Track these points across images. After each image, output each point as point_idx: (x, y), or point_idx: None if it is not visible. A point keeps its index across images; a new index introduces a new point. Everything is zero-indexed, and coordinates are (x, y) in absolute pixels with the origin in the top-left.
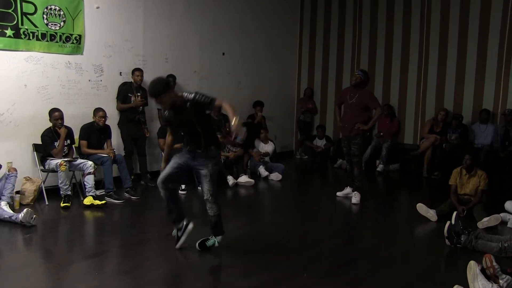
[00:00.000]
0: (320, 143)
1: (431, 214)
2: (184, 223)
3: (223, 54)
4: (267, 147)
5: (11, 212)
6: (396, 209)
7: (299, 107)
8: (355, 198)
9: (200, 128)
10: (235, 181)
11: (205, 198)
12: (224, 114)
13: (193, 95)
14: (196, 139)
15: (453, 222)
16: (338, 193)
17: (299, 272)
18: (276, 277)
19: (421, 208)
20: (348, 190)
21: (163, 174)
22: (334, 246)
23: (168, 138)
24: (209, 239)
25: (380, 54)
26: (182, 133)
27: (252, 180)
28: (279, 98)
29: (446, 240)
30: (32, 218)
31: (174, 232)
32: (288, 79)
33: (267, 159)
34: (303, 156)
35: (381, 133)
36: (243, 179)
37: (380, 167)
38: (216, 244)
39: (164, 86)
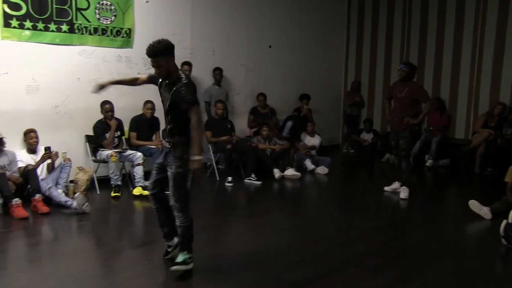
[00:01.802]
0: (367, 137)
1: (484, 211)
2: (176, 241)
3: (270, 46)
4: (313, 140)
5: (67, 197)
6: (446, 205)
7: (345, 100)
8: (404, 193)
9: (172, 118)
10: (281, 174)
11: (170, 203)
12: (272, 108)
13: (185, 81)
14: (169, 127)
15: (510, 221)
16: (386, 188)
17: (346, 266)
18: (323, 270)
19: (474, 205)
20: (396, 185)
21: (149, 181)
22: (382, 240)
23: (136, 81)
24: (178, 255)
25: (430, 45)
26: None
27: (299, 173)
28: (325, 91)
29: (503, 240)
30: (84, 205)
31: (165, 246)
32: (335, 71)
33: (313, 152)
34: (350, 150)
35: (431, 128)
36: (289, 172)
37: (429, 162)
38: (183, 262)
39: (165, 47)
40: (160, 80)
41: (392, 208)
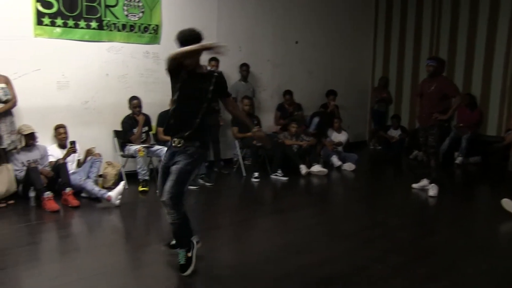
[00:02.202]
0: (394, 133)
1: None
2: (194, 241)
3: (296, 42)
4: (340, 137)
5: (100, 189)
6: (476, 203)
7: (373, 97)
8: (432, 190)
9: (203, 114)
10: (308, 171)
11: (162, 199)
12: (298, 103)
13: (219, 72)
14: (185, 123)
15: None
16: (414, 185)
17: (372, 263)
18: (349, 267)
19: (507, 203)
20: (424, 182)
21: (158, 188)
22: (409, 238)
23: None
24: (178, 253)
25: (461, 39)
26: (178, 111)
27: (325, 170)
28: (352, 87)
29: None
30: (118, 197)
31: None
32: (362, 67)
33: (340, 148)
34: (377, 146)
35: (461, 124)
36: (316, 168)
37: (459, 160)
38: (187, 262)
39: (200, 35)
40: (177, 73)
41: (420, 205)
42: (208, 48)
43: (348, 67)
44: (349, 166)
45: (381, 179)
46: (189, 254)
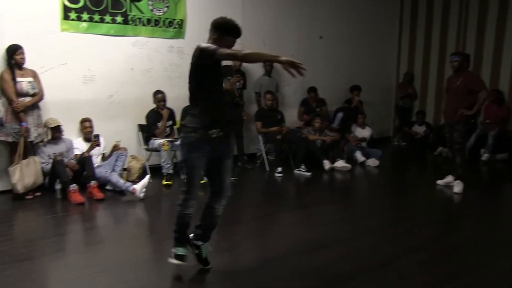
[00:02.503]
0: (419, 129)
1: None
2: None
3: (321, 37)
4: (364, 132)
5: (125, 181)
6: (503, 200)
7: (397, 92)
8: (458, 187)
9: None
10: (331, 166)
11: (227, 193)
12: (322, 98)
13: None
14: (222, 109)
15: None
16: (439, 182)
17: (396, 260)
18: (373, 263)
19: None
20: (449, 178)
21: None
22: (433, 235)
23: None
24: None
25: (489, 33)
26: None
27: (349, 165)
28: (376, 82)
29: None
30: (143, 190)
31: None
32: (387, 63)
33: (364, 144)
34: (401, 142)
35: (487, 121)
36: (340, 163)
37: (485, 156)
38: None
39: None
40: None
41: (445, 202)
42: (281, 62)
43: (373, 62)
44: (373, 162)
45: (405, 175)
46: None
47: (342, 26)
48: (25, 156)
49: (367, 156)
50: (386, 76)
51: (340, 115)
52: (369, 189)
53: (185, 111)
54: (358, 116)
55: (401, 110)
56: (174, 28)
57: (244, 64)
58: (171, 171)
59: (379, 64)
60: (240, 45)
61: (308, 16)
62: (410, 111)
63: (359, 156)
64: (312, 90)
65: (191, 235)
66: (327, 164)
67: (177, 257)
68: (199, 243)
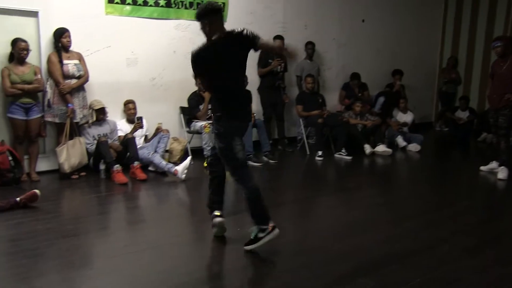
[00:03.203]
0: (463, 115)
1: None
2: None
3: (363, 21)
4: (405, 117)
5: (167, 163)
6: None
7: (440, 77)
8: (502, 173)
9: (243, 80)
10: (372, 150)
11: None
12: (363, 82)
13: (237, 29)
14: (242, 91)
15: None
16: (482, 168)
17: (438, 244)
18: (415, 247)
19: None
20: (493, 164)
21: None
22: (477, 220)
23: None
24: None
25: None
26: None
27: (390, 150)
28: (419, 66)
29: None
30: (184, 172)
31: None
32: (430, 47)
33: (405, 129)
34: (443, 128)
35: None
36: (380, 148)
37: None
38: (254, 234)
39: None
40: (209, 48)
41: (489, 188)
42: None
43: (416, 46)
44: (414, 147)
45: (448, 161)
46: (261, 235)
47: (385, 9)
48: (71, 137)
49: (409, 141)
50: (429, 61)
51: (381, 99)
52: (411, 174)
53: None
54: (399, 101)
55: (444, 95)
56: None
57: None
58: None
59: (422, 48)
60: (282, 28)
61: None
62: (454, 96)
63: (400, 141)
64: (356, 77)
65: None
66: (368, 148)
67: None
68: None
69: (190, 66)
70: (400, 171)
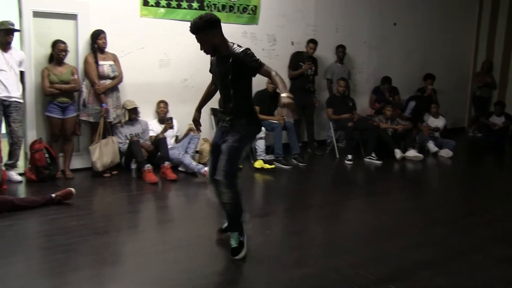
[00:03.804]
0: (497, 120)
1: None
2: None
3: (395, 24)
4: (437, 122)
5: (197, 163)
6: None
7: (474, 81)
8: None
9: (234, 94)
10: (403, 155)
11: (216, 177)
12: (394, 86)
13: (241, 50)
14: (226, 103)
15: None
16: None
17: (471, 251)
18: (447, 254)
19: None
20: None
21: (209, 167)
22: None
23: (210, 86)
24: (230, 237)
25: None
26: (218, 89)
27: (421, 155)
28: (451, 71)
29: None
30: None
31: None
32: (463, 50)
33: (436, 134)
34: (477, 133)
35: None
36: (411, 153)
37: None
38: (235, 242)
39: (206, 23)
40: (211, 59)
41: None
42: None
43: (448, 49)
44: (446, 153)
45: (481, 167)
46: (242, 239)
47: (417, 11)
48: (104, 136)
49: (440, 146)
50: (462, 64)
51: (412, 103)
52: (442, 179)
53: (258, 96)
54: (431, 105)
55: (478, 100)
56: (248, 14)
57: (316, 51)
58: None
59: (455, 52)
60: (314, 31)
61: (382, 2)
62: (488, 101)
63: (431, 146)
64: (387, 81)
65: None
66: (398, 153)
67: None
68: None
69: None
70: (431, 176)
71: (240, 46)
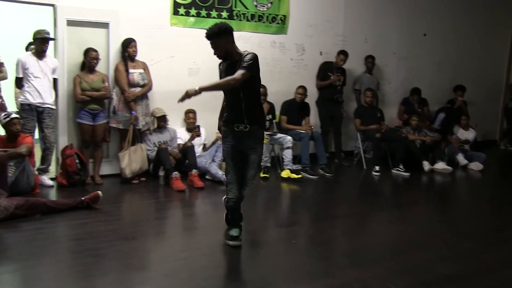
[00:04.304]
0: None
1: None
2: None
3: (424, 35)
4: (467, 134)
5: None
6: None
7: (507, 94)
8: None
9: (245, 98)
10: (431, 167)
11: (248, 184)
12: (423, 98)
13: (250, 53)
14: (235, 107)
15: None
16: None
17: (502, 267)
18: (476, 268)
19: None
20: None
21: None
22: None
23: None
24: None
25: None
26: (226, 94)
27: (450, 168)
28: (482, 82)
29: None
30: None
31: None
32: (496, 61)
33: (466, 147)
34: (509, 147)
35: None
36: (440, 165)
37: None
38: (237, 234)
39: (221, 30)
40: (220, 63)
41: None
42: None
43: (480, 60)
44: (476, 166)
45: None
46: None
47: (448, 22)
48: (133, 143)
49: (470, 159)
50: (494, 76)
51: (441, 115)
52: (471, 193)
53: (286, 106)
54: (461, 117)
55: (510, 112)
56: (277, 23)
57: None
58: (268, 164)
59: (487, 63)
60: (342, 42)
61: (412, 12)
62: None
63: (461, 159)
64: (416, 92)
65: None
66: (426, 165)
67: (229, 237)
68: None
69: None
70: (460, 189)
71: (251, 53)
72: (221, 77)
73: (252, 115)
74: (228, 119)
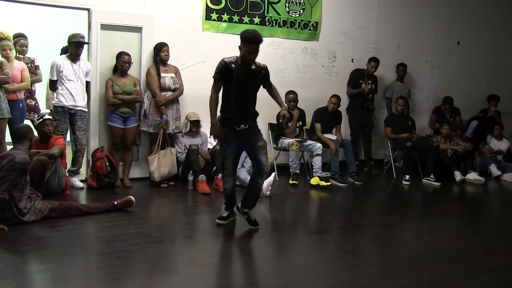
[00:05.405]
0: None
1: None
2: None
3: (458, 43)
4: (500, 145)
5: None
6: None
7: None
8: None
9: (252, 100)
10: (463, 178)
11: (264, 169)
12: (456, 107)
13: (265, 65)
14: (245, 109)
15: None
16: None
17: None
18: (508, 281)
19: None
20: None
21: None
22: None
23: (217, 97)
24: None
25: None
26: (237, 97)
27: (482, 178)
28: None
29: None
30: (269, 188)
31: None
32: None
33: (500, 157)
34: None
35: None
36: (472, 176)
37: None
38: (254, 218)
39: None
40: (234, 67)
41: None
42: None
43: None
44: (509, 177)
45: None
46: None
47: (482, 29)
48: (163, 147)
49: (503, 170)
50: None
51: (474, 123)
52: (504, 205)
53: (318, 113)
54: (494, 127)
55: None
56: (309, 30)
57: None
58: (298, 171)
59: None
60: (374, 49)
61: (446, 20)
62: None
63: (494, 169)
64: (448, 101)
65: (239, 205)
66: (458, 175)
67: (220, 218)
68: (245, 210)
69: (280, 83)
70: (493, 201)
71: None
72: (237, 78)
73: (253, 115)
74: (233, 119)
